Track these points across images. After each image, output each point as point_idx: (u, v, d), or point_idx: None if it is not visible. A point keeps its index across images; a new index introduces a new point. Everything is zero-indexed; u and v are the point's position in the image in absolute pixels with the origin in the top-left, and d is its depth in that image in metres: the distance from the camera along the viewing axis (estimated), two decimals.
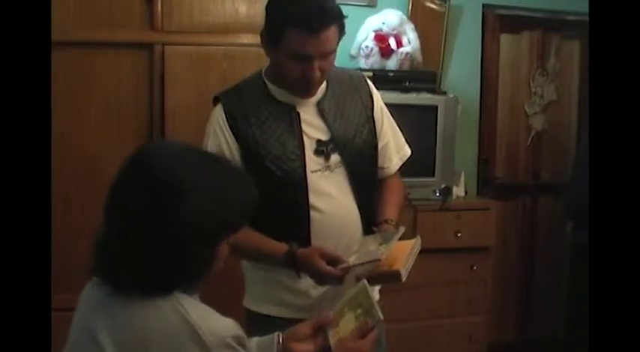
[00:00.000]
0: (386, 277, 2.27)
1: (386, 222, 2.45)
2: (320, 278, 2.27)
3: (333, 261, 2.24)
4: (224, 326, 1.63)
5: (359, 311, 2.03)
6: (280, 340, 1.92)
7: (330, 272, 2.23)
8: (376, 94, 2.56)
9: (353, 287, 2.14)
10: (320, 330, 1.97)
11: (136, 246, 1.59)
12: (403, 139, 2.65)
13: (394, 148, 2.60)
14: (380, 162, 2.55)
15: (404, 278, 2.20)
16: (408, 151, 2.66)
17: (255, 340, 1.90)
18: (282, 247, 2.32)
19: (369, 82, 2.58)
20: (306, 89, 2.37)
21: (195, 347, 1.57)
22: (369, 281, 2.14)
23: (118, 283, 1.62)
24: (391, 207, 2.50)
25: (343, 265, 2.23)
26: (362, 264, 2.23)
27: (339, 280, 2.24)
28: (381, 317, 1.98)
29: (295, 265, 2.30)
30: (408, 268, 2.24)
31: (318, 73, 2.29)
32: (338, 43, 2.33)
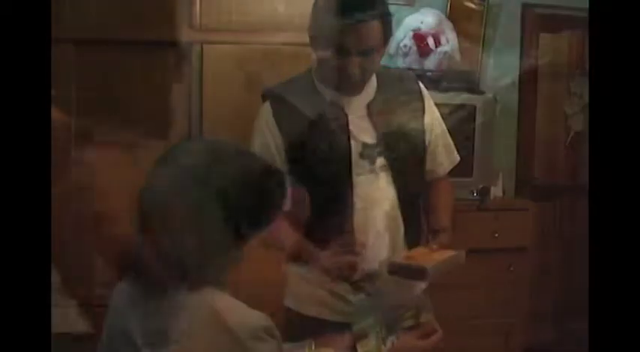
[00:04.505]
0: (412, 272, 2.24)
1: (440, 230, 2.44)
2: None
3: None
4: (254, 318, 1.63)
5: None
6: (313, 346, 1.95)
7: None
8: (428, 98, 2.53)
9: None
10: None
11: (172, 243, 1.61)
12: (453, 145, 2.63)
13: (445, 152, 2.58)
14: (429, 166, 2.53)
15: (428, 278, 2.18)
16: (457, 157, 2.64)
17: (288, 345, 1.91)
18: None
19: (422, 85, 2.55)
20: (345, 85, 2.35)
21: (228, 340, 1.58)
22: (393, 273, 2.14)
23: (151, 279, 1.64)
24: (444, 213, 2.49)
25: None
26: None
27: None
28: None
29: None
30: (436, 270, 2.21)
31: (357, 70, 2.27)
32: (385, 43, 2.31)
